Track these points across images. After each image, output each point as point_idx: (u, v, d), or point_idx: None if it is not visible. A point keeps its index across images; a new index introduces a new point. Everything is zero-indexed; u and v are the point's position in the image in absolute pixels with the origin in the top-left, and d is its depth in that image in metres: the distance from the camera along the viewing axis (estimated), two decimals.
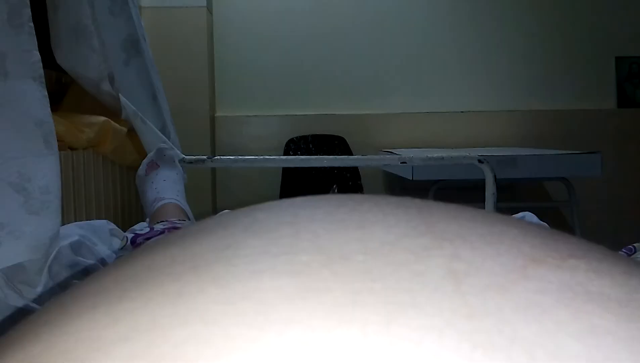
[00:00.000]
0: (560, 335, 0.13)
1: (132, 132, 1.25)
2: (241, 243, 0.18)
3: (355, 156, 2.09)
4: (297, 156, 2.23)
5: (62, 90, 1.30)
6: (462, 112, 2.49)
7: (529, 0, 2.50)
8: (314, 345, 0.13)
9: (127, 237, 0.90)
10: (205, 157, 1.26)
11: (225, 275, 0.16)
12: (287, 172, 2.38)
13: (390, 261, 0.16)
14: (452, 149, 2.24)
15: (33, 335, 0.16)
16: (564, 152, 1.98)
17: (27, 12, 0.70)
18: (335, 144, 2.42)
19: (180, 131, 1.42)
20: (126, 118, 1.20)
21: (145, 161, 1.21)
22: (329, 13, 2.47)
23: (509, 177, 1.82)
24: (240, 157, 1.29)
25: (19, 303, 0.63)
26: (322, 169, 2.35)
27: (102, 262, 0.81)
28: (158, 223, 1.02)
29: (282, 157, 2.17)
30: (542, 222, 0.93)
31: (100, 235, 0.87)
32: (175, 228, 0.94)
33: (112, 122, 1.18)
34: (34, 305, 0.65)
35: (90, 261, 0.79)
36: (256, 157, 1.26)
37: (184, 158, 1.23)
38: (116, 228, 0.95)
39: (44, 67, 0.72)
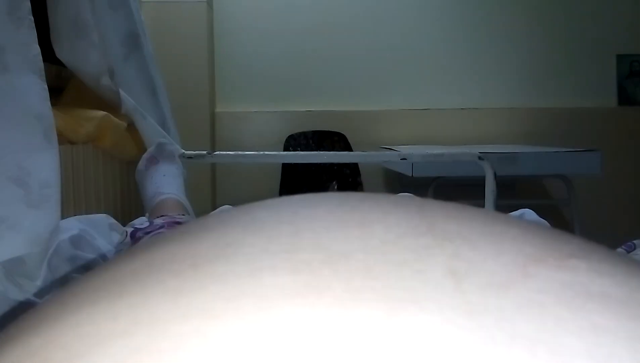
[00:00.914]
0: (561, 332, 0.13)
1: (131, 126, 1.25)
2: (241, 241, 0.18)
3: (355, 153, 2.09)
4: (297, 152, 2.23)
5: (62, 84, 1.29)
6: (462, 109, 2.49)
7: None
8: (315, 341, 0.13)
9: (126, 231, 0.90)
10: (205, 152, 1.26)
11: (226, 272, 0.16)
12: (286, 168, 2.38)
13: (390, 260, 0.16)
14: (453, 146, 2.23)
15: (33, 329, 0.16)
16: (564, 150, 1.98)
17: (27, 5, 0.69)
18: (335, 140, 2.42)
19: (181, 127, 1.41)
20: (126, 113, 1.19)
21: (145, 155, 1.21)
22: (329, 9, 2.46)
23: (509, 174, 1.82)
24: (240, 153, 1.28)
25: (19, 296, 0.63)
26: (321, 165, 2.35)
27: (102, 256, 0.81)
28: (158, 217, 1.02)
29: (282, 153, 2.17)
30: (541, 219, 0.93)
31: (99, 229, 0.87)
32: (175, 223, 0.94)
33: (111, 116, 1.17)
34: (34, 298, 0.65)
35: (90, 255, 0.79)
36: (256, 153, 1.26)
37: (183, 153, 1.23)
38: (115, 222, 0.94)
39: (44, 61, 0.72)
